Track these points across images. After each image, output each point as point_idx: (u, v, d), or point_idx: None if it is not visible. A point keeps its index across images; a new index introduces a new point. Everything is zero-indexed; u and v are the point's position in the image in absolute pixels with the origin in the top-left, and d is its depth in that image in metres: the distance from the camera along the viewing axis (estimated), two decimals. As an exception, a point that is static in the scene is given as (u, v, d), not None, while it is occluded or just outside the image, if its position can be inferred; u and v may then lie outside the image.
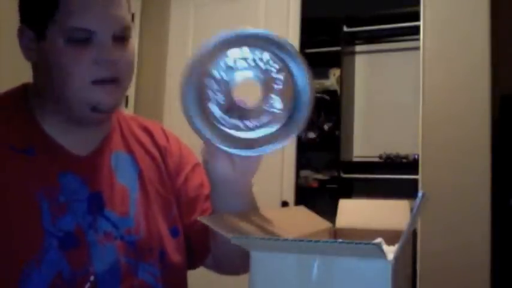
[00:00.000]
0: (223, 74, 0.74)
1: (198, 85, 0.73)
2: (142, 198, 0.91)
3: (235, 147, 0.73)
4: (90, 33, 0.79)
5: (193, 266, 1.00)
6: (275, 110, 0.73)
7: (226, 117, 0.73)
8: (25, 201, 0.80)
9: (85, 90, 0.81)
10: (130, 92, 3.37)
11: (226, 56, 0.74)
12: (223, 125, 0.73)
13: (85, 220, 0.83)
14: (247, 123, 0.73)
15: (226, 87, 0.74)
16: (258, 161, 0.81)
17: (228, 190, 0.83)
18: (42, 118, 0.86)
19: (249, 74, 0.75)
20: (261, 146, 0.74)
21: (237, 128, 0.73)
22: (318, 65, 3.48)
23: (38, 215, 0.79)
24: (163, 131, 1.03)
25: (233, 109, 0.74)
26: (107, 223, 0.85)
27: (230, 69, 0.74)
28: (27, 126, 0.85)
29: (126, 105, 3.28)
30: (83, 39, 0.80)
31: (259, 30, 0.75)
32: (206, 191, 0.99)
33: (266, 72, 0.74)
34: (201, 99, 0.73)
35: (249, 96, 0.76)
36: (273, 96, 0.74)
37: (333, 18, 3.41)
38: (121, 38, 0.83)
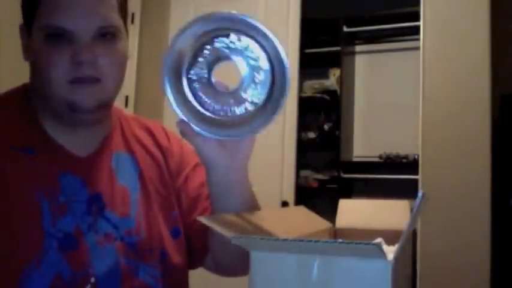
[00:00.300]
0: (207, 53, 0.73)
1: (178, 61, 0.73)
2: (143, 199, 0.91)
3: (210, 130, 0.72)
4: (67, 32, 0.78)
5: (193, 266, 1.00)
6: (254, 100, 0.73)
7: (204, 97, 0.73)
8: (25, 202, 0.79)
9: (63, 89, 0.80)
10: (130, 92, 3.37)
11: (213, 38, 0.74)
12: (199, 104, 0.73)
13: (85, 221, 0.83)
14: (225, 107, 0.73)
15: (208, 67, 0.74)
16: (250, 144, 0.78)
17: (222, 178, 0.80)
18: (44, 118, 0.86)
19: (231, 57, 0.74)
20: (237, 131, 0.73)
21: (214, 111, 0.73)
22: (318, 65, 3.50)
23: (38, 216, 0.79)
24: (165, 131, 1.03)
25: (212, 91, 0.74)
26: (107, 224, 0.85)
27: (215, 50, 0.73)
28: (27, 126, 0.85)
29: (126, 105, 3.28)
30: (62, 38, 0.79)
31: (241, 15, 0.76)
32: (207, 190, 0.98)
33: (247, 57, 0.73)
34: (180, 75, 0.73)
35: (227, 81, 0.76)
36: (252, 85, 0.73)
37: (333, 18, 3.41)
38: (104, 37, 0.81)
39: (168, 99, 0.72)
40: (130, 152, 0.94)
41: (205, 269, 1.02)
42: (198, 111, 0.73)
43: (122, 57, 0.85)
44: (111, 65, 0.82)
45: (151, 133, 0.99)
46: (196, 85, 0.74)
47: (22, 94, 0.89)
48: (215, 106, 0.73)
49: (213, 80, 0.74)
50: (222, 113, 0.73)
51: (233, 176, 0.80)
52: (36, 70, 0.83)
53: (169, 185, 0.97)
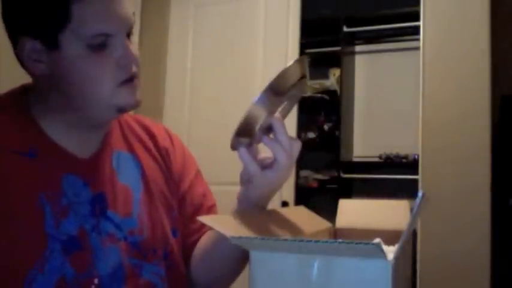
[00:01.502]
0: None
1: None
2: (145, 198, 0.91)
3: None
4: (107, 37, 0.78)
5: None
6: None
7: None
8: (28, 205, 0.79)
9: (112, 93, 0.80)
10: (130, 92, 3.37)
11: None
12: None
13: (88, 223, 0.83)
14: None
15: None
16: (287, 178, 0.81)
17: (249, 200, 0.83)
18: (44, 120, 0.85)
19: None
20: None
21: None
22: (318, 65, 3.50)
23: (41, 219, 0.79)
24: (168, 133, 1.03)
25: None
26: (110, 225, 0.85)
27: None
28: (28, 129, 0.84)
29: (126, 105, 3.28)
30: (101, 44, 0.78)
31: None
32: (209, 202, 1.01)
33: None
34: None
35: None
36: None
37: (333, 18, 3.41)
38: (129, 35, 0.83)
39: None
40: (131, 150, 0.94)
41: None
42: None
43: None
44: (138, 59, 0.85)
45: (151, 133, 0.99)
46: None
47: (21, 96, 0.87)
48: None
49: None
50: None
51: (260, 201, 0.83)
52: (73, 80, 0.79)
53: (171, 186, 0.97)
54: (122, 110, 0.84)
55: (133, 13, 0.83)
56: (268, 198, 0.84)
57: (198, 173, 1.03)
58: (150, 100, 3.38)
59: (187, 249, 0.97)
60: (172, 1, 3.43)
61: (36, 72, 0.81)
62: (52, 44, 0.77)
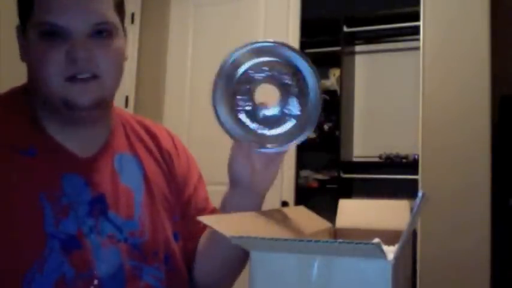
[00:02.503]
0: (247, 83, 0.82)
1: (226, 89, 0.82)
2: (147, 200, 0.91)
3: (262, 146, 0.83)
4: (61, 29, 0.78)
5: None
6: (294, 112, 0.83)
7: (250, 122, 0.83)
8: (28, 204, 0.79)
9: (59, 87, 0.79)
10: (130, 92, 3.37)
11: (247, 66, 0.82)
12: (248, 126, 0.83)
13: (87, 223, 0.82)
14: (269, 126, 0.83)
15: (250, 94, 0.83)
16: (274, 174, 0.87)
17: (241, 199, 0.87)
18: (45, 119, 0.85)
19: (266, 80, 0.83)
20: (280, 144, 0.83)
21: (260, 129, 0.84)
22: (318, 65, 3.45)
23: (40, 218, 0.79)
24: (171, 136, 1.03)
25: (256, 113, 0.83)
26: (110, 226, 0.84)
27: (252, 78, 0.82)
28: (29, 127, 0.84)
29: (126, 105, 3.28)
30: (57, 36, 0.79)
31: (268, 40, 0.83)
32: (211, 206, 1.02)
33: (281, 78, 0.82)
34: (231, 104, 0.82)
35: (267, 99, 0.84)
36: (290, 99, 0.82)
37: (333, 18, 3.41)
38: (100, 34, 0.81)
39: (223, 123, 0.82)
40: (134, 153, 0.93)
41: None
42: (244, 124, 0.83)
43: (119, 54, 0.85)
44: (107, 62, 0.82)
45: (153, 134, 0.99)
46: (241, 103, 0.83)
47: (22, 94, 0.88)
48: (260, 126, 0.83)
49: (257, 102, 0.84)
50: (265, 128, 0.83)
51: (251, 200, 0.87)
52: (32, 69, 0.83)
53: (173, 189, 0.96)
54: (67, 104, 0.81)
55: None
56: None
57: (200, 177, 1.03)
58: (150, 100, 3.38)
59: (189, 252, 0.97)
60: (172, 1, 3.43)
61: (21, 58, 0.85)
62: (24, 31, 0.83)
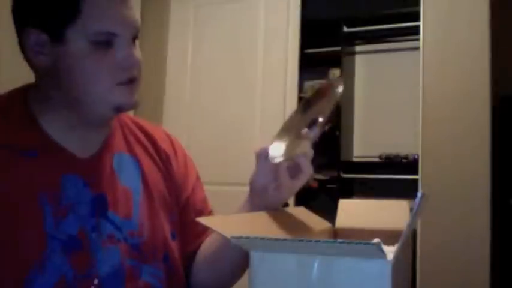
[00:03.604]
0: None
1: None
2: (146, 200, 0.91)
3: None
4: (113, 36, 0.80)
5: None
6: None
7: None
8: (28, 204, 0.79)
9: (109, 92, 0.82)
10: (130, 92, 3.37)
11: None
12: None
13: (88, 223, 0.82)
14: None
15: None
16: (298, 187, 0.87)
17: (258, 205, 0.88)
18: (44, 120, 0.85)
19: None
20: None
21: None
22: (318, 65, 3.50)
23: (40, 219, 0.79)
24: (169, 137, 1.03)
25: None
26: (110, 225, 0.85)
27: None
28: (29, 128, 0.84)
29: (126, 105, 3.28)
30: (105, 42, 0.80)
31: None
32: (209, 207, 1.02)
33: None
34: None
35: None
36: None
37: (333, 18, 3.41)
38: (134, 39, 0.85)
39: None
40: (132, 153, 0.94)
41: None
42: None
43: None
44: (141, 64, 0.86)
45: (150, 135, 0.99)
46: None
47: (22, 95, 0.87)
48: None
49: None
50: None
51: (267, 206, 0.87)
52: (74, 74, 0.80)
53: (172, 189, 0.97)
54: (118, 108, 0.84)
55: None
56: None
57: (198, 178, 1.04)
58: (150, 100, 3.38)
59: (188, 255, 0.97)
60: (172, 1, 3.43)
61: (37, 65, 0.82)
62: (58, 37, 0.79)
